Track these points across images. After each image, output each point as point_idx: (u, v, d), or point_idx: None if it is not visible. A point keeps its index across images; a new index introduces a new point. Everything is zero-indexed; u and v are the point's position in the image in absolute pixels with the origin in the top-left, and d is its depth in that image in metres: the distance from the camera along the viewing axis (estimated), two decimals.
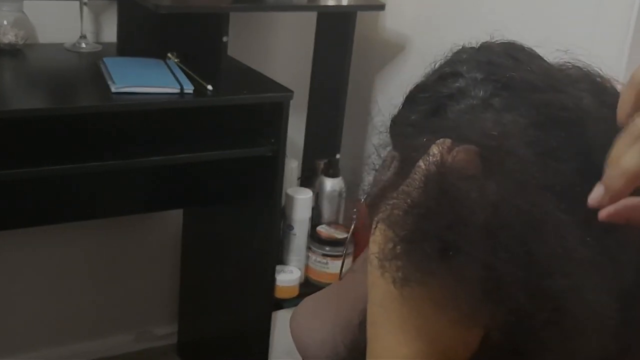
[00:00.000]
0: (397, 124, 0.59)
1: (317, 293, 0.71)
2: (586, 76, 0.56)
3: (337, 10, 2.09)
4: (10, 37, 1.80)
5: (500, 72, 0.54)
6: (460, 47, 0.59)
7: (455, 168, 0.47)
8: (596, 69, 0.57)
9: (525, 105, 0.52)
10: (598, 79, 0.56)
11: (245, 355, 2.11)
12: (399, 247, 0.47)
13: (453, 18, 2.00)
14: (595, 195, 0.46)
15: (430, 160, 0.48)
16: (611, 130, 0.48)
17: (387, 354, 0.49)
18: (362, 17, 2.15)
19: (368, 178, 0.65)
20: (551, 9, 1.74)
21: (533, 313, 0.44)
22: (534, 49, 0.59)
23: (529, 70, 0.55)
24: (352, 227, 0.64)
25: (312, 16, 2.19)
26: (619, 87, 0.56)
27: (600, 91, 0.52)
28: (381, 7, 2.09)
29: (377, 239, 0.49)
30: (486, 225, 0.44)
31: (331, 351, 0.62)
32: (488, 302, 0.45)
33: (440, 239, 0.45)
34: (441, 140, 0.49)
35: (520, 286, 0.44)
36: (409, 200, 0.47)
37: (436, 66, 0.59)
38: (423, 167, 0.48)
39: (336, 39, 2.13)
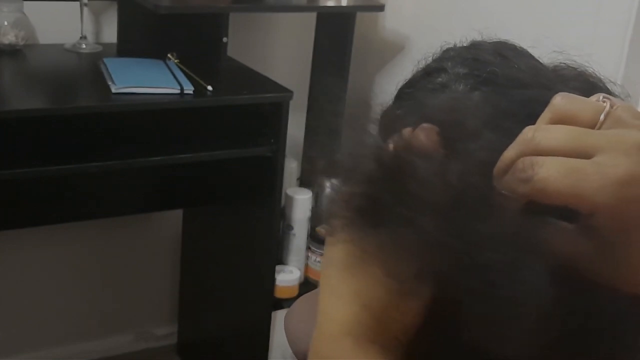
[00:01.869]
0: (382, 120, 0.60)
1: (311, 292, 0.71)
2: (579, 76, 0.56)
3: (337, 11, 2.10)
4: (10, 38, 1.80)
5: (484, 68, 0.54)
6: (451, 45, 0.59)
7: (413, 146, 0.47)
8: (590, 69, 0.57)
9: (505, 99, 0.51)
10: (591, 79, 0.56)
11: (245, 355, 2.11)
12: (346, 212, 0.47)
13: (452, 18, 2.01)
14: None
15: (394, 142, 0.48)
16: None
17: (326, 318, 0.49)
18: (361, 17, 2.15)
19: None
20: (550, 9, 1.75)
21: (467, 289, 0.44)
22: (528, 49, 0.59)
23: (516, 68, 0.54)
24: None
25: (312, 17, 2.19)
26: (615, 89, 0.56)
27: (591, 91, 0.52)
28: (380, 7, 2.09)
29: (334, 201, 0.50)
30: (434, 201, 0.45)
31: None
32: (424, 274, 0.45)
33: (387, 208, 0.45)
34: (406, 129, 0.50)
35: (456, 260, 0.44)
36: (363, 174, 0.48)
37: (424, 63, 0.59)
38: (385, 149, 0.49)
39: (336, 40, 2.13)
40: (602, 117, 0.45)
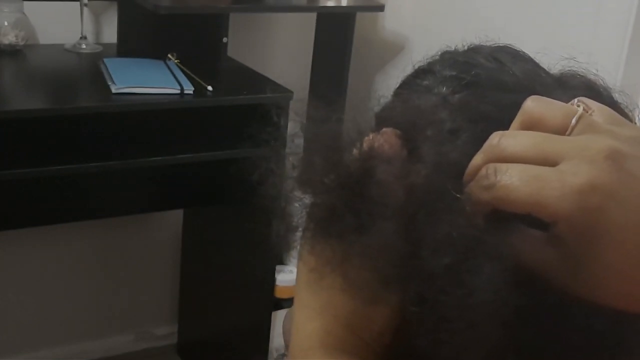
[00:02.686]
0: (375, 119, 0.60)
1: None
2: (583, 84, 0.54)
3: (337, 11, 2.10)
4: (10, 38, 1.80)
5: (471, 70, 0.53)
6: (451, 48, 0.58)
7: (375, 150, 0.47)
8: (597, 77, 0.55)
9: (484, 102, 0.50)
10: (595, 87, 0.54)
11: (245, 355, 2.11)
12: (311, 226, 0.47)
13: (452, 19, 2.01)
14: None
15: (359, 147, 0.48)
16: None
17: (298, 331, 0.50)
18: (361, 17, 2.15)
19: None
20: (550, 10, 1.75)
21: (424, 294, 0.44)
22: (537, 54, 0.57)
23: (508, 72, 0.53)
24: None
25: (312, 17, 2.19)
26: (623, 99, 0.55)
27: (594, 99, 0.51)
28: (380, 7, 2.09)
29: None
30: (393, 205, 0.44)
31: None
32: (386, 280, 0.45)
33: (349, 216, 0.45)
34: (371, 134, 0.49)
35: (415, 265, 0.44)
36: (323, 183, 0.47)
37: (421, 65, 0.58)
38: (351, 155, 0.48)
39: (336, 40, 2.13)
40: (573, 121, 0.44)
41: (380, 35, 2.27)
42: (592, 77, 0.55)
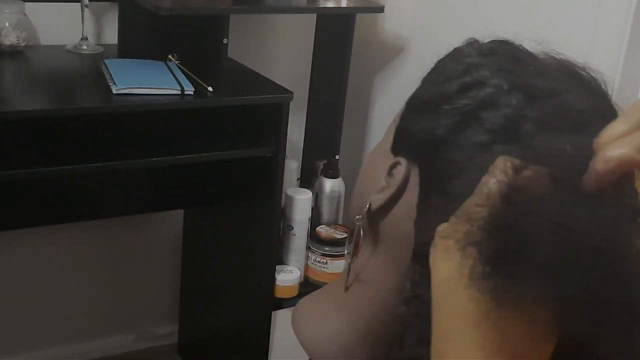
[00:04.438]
0: (416, 136, 0.59)
1: (316, 295, 0.70)
2: (564, 66, 0.59)
3: (337, 12, 2.10)
4: (12, 39, 1.81)
5: (519, 80, 0.56)
6: (463, 51, 0.60)
7: (529, 188, 0.48)
8: (564, 55, 0.60)
9: (553, 112, 0.53)
10: (576, 69, 0.59)
11: (245, 355, 2.12)
12: (487, 267, 0.48)
13: (451, 20, 2.01)
14: (586, 176, 0.47)
15: (499, 179, 0.49)
16: None
17: None
18: (361, 18, 2.16)
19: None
20: (550, 10, 1.75)
21: (606, 328, 0.46)
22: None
23: (541, 74, 0.56)
24: (354, 237, 0.64)
25: (312, 18, 2.20)
26: (593, 73, 0.59)
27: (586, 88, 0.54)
28: (380, 9, 2.10)
29: (453, 257, 0.49)
30: (564, 246, 0.46)
31: (341, 351, 0.63)
32: (565, 317, 0.47)
33: (529, 259, 0.46)
34: (503, 158, 0.50)
35: (593, 301, 0.46)
36: (485, 219, 0.48)
37: (444, 72, 0.59)
38: (494, 187, 0.49)
39: (335, 41, 2.14)
40: None
41: (380, 37, 2.27)
42: (559, 55, 0.60)
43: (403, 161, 0.60)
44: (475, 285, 0.48)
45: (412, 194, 0.59)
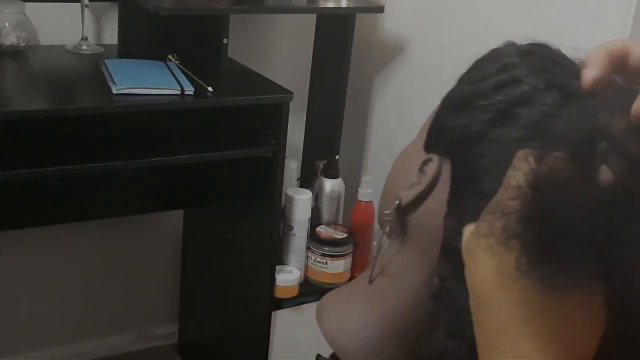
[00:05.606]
0: (450, 131, 0.60)
1: (341, 289, 0.70)
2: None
3: (337, 12, 2.10)
4: (12, 39, 1.81)
5: (555, 79, 0.57)
6: (501, 51, 0.61)
7: (554, 173, 0.49)
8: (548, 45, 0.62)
9: (586, 111, 0.53)
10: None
11: (245, 355, 2.12)
12: (533, 257, 0.48)
13: (451, 20, 2.01)
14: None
15: (523, 170, 0.50)
16: None
17: (517, 357, 0.50)
18: (361, 19, 2.16)
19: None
20: (550, 9, 1.75)
21: None
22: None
23: (577, 76, 0.57)
24: (376, 243, 0.65)
25: (312, 18, 2.20)
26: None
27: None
28: (380, 9, 2.10)
29: (497, 254, 0.50)
30: (604, 220, 0.47)
31: (365, 345, 0.63)
32: (614, 294, 0.48)
33: (572, 241, 0.47)
34: (523, 151, 0.51)
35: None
36: (520, 211, 0.49)
37: (481, 71, 0.60)
38: (521, 178, 0.50)
39: (335, 41, 2.14)
40: None
41: (380, 37, 2.27)
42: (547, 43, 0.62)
43: (435, 157, 0.60)
44: (524, 277, 0.48)
45: (442, 190, 0.60)
